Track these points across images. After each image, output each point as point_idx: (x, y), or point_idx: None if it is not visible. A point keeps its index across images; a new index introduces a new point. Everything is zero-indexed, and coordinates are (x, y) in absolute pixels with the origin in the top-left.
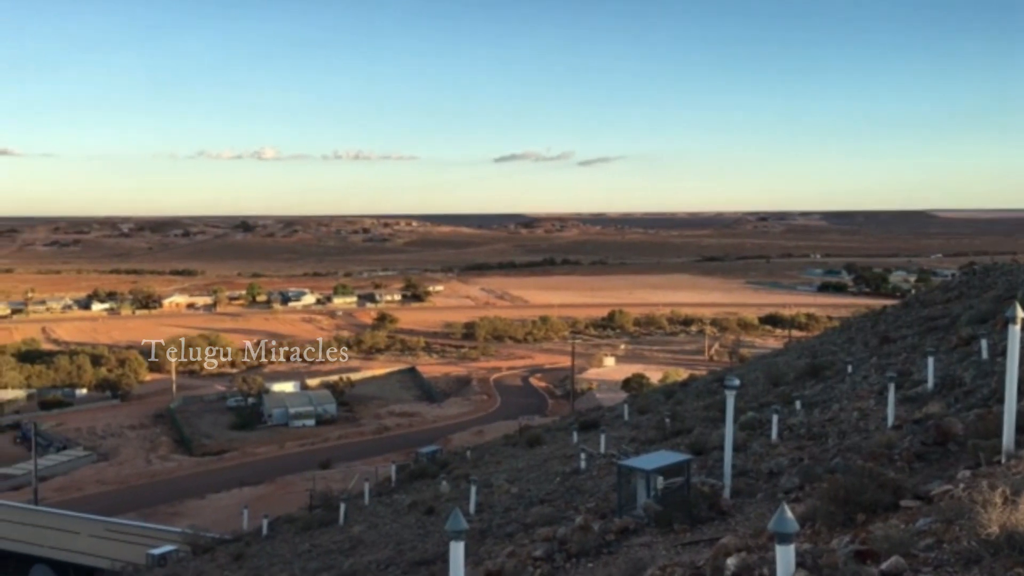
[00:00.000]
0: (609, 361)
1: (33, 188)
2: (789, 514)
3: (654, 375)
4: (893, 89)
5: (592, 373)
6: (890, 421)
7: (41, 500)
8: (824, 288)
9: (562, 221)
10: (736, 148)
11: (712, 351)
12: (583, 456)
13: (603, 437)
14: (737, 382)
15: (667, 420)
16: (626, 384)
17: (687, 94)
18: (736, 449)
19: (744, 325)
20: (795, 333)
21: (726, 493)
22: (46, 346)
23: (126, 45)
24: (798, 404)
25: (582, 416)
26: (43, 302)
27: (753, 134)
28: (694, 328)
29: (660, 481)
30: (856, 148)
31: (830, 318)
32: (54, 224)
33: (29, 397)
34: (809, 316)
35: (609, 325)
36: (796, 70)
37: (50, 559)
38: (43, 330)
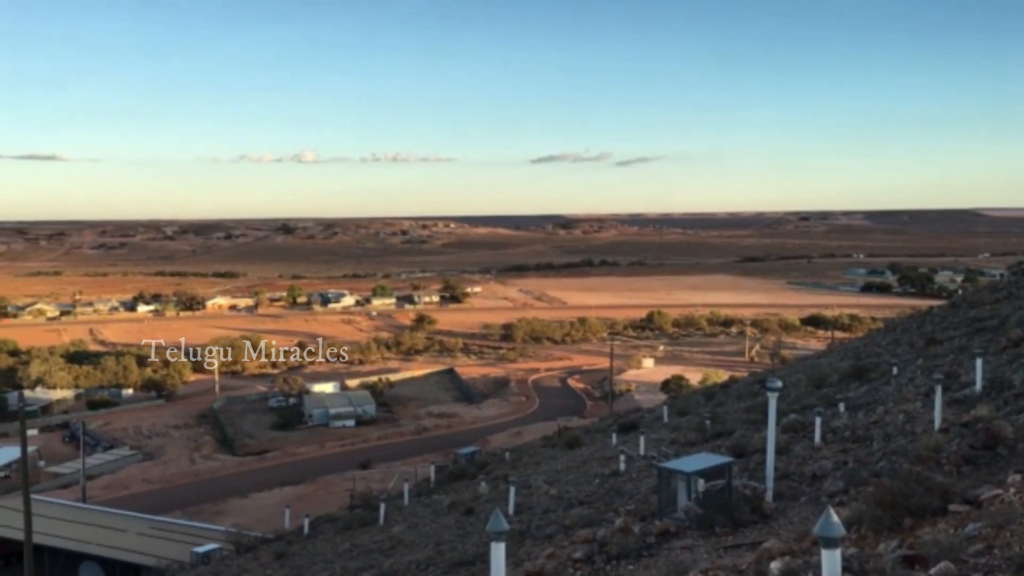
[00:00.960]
0: (648, 362)
1: (80, 192)
2: (835, 518)
3: (693, 376)
4: (939, 85)
5: (631, 374)
6: (937, 424)
7: (89, 498)
8: (868, 289)
9: (600, 222)
10: (777, 147)
11: (753, 352)
12: (622, 458)
13: (642, 439)
14: (779, 383)
15: (707, 422)
16: (665, 385)
17: (726, 93)
18: (778, 452)
19: (785, 326)
20: (838, 334)
21: (768, 496)
22: (93, 347)
23: (169, 51)
24: (842, 406)
25: (621, 418)
26: (90, 304)
27: (794, 133)
28: (734, 329)
29: (701, 483)
30: (900, 146)
31: (874, 319)
32: (101, 227)
33: (77, 397)
34: (852, 317)
35: (648, 326)
36: (837, 68)
37: (98, 556)
38: (90, 331)
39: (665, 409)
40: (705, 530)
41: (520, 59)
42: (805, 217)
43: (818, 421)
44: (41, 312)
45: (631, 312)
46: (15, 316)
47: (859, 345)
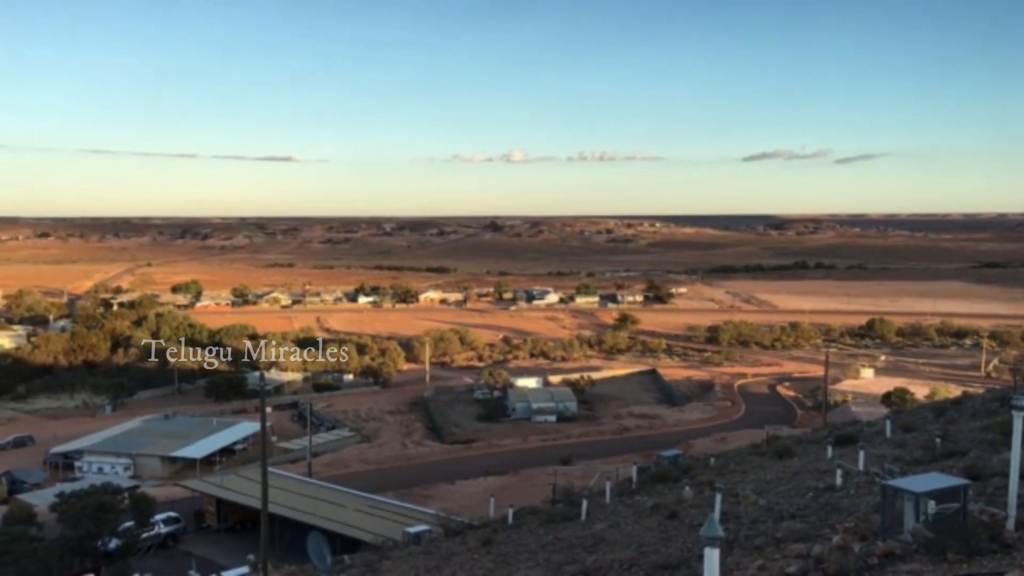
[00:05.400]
0: (867, 373)
1: (311, 191)
2: None
3: (919, 390)
4: None
5: (847, 385)
6: None
7: (314, 474)
8: None
9: (816, 222)
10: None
11: (990, 367)
12: (839, 472)
13: (861, 453)
14: None
15: (937, 440)
16: (886, 398)
17: (963, 84)
18: (1022, 477)
19: None
20: None
21: (1010, 524)
22: (319, 334)
23: (389, 57)
24: None
25: (837, 429)
26: (318, 294)
27: None
28: (968, 341)
29: (932, 505)
30: None
31: None
32: (328, 224)
33: (305, 380)
34: None
35: (868, 334)
36: None
37: (322, 528)
38: (317, 319)
39: (888, 423)
40: (936, 555)
41: (731, 55)
42: None
43: None
44: (276, 300)
45: (849, 318)
46: (255, 303)
47: None
